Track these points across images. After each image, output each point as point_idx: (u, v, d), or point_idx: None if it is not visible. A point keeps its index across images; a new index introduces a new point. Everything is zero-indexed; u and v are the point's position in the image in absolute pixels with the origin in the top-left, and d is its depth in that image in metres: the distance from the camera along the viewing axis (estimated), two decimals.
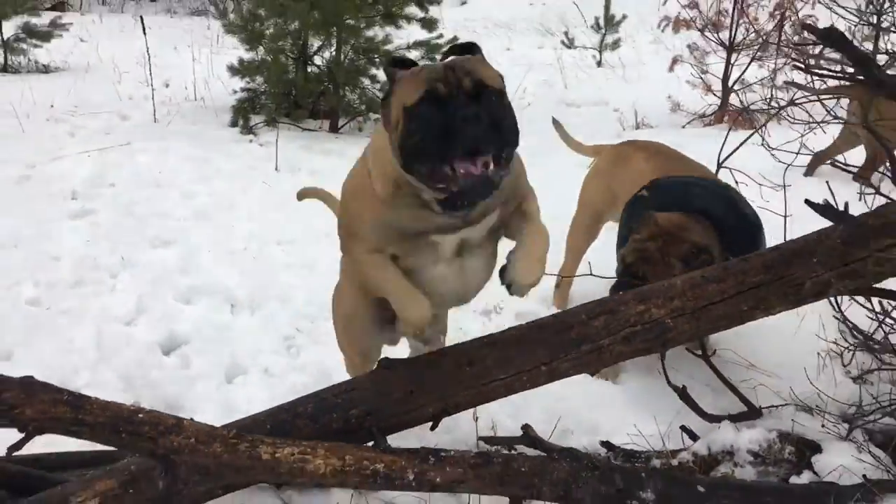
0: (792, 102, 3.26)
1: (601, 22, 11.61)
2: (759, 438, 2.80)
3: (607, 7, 11.58)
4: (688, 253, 2.96)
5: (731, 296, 2.36)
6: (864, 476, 2.54)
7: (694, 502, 2.39)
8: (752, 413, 2.93)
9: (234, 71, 8.59)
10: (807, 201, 2.25)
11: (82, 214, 5.62)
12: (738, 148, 3.46)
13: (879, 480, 2.55)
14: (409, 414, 2.31)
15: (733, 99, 7.73)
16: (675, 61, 8.03)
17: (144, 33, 9.25)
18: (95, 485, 2.16)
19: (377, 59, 8.31)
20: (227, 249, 5.03)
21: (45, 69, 11.21)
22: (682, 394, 2.82)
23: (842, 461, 2.65)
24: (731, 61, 8.03)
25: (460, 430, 2.79)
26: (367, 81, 8.39)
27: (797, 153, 3.27)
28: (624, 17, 11.49)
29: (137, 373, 3.53)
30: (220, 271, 4.68)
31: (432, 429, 2.37)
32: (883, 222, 2.36)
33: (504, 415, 2.93)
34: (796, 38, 6.54)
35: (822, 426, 2.85)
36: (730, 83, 8.03)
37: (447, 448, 2.29)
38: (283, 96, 8.45)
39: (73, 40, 12.92)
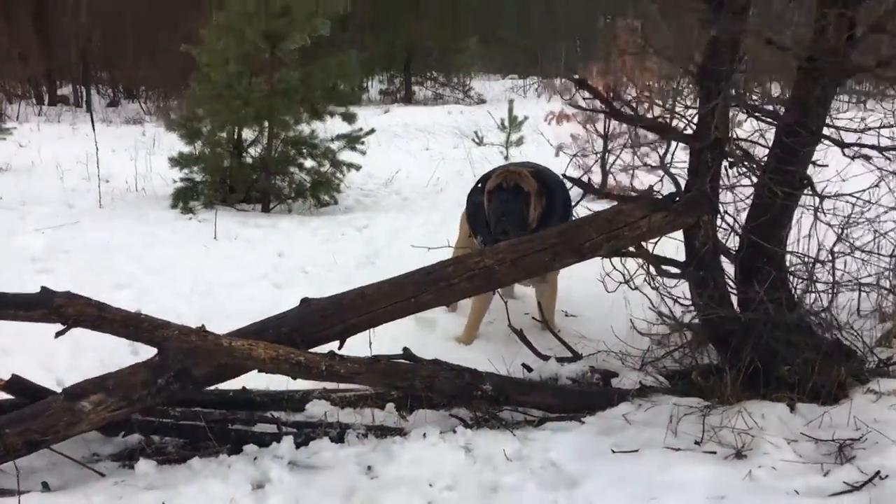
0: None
1: (506, 122, 13.21)
2: (576, 369, 3.95)
3: (510, 110, 13.22)
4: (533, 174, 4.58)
5: (536, 251, 3.54)
6: (640, 383, 3.69)
7: (521, 392, 3.48)
8: (574, 357, 4.08)
9: (173, 162, 9.54)
10: (564, 175, 3.45)
11: (45, 271, 6.48)
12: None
13: (651, 386, 3.69)
14: (323, 332, 3.38)
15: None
16: (559, 148, 9.50)
17: (93, 127, 10.28)
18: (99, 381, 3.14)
19: (304, 151, 9.48)
20: (175, 291, 5.99)
21: None
22: (520, 335, 3.98)
23: (631, 380, 3.79)
24: (608, 147, 9.52)
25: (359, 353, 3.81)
26: (295, 170, 9.49)
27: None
28: (525, 118, 13.11)
29: (109, 361, 4.44)
30: (171, 303, 5.64)
31: (339, 347, 3.43)
32: (637, 205, 3.60)
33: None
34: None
35: (623, 363, 4.00)
36: (607, 165, 9.51)
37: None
38: (219, 183, 9.48)
39: (13, 145, 13.66)
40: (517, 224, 4.40)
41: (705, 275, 3.57)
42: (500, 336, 4.62)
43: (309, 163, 9.42)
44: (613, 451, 3.16)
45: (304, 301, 3.47)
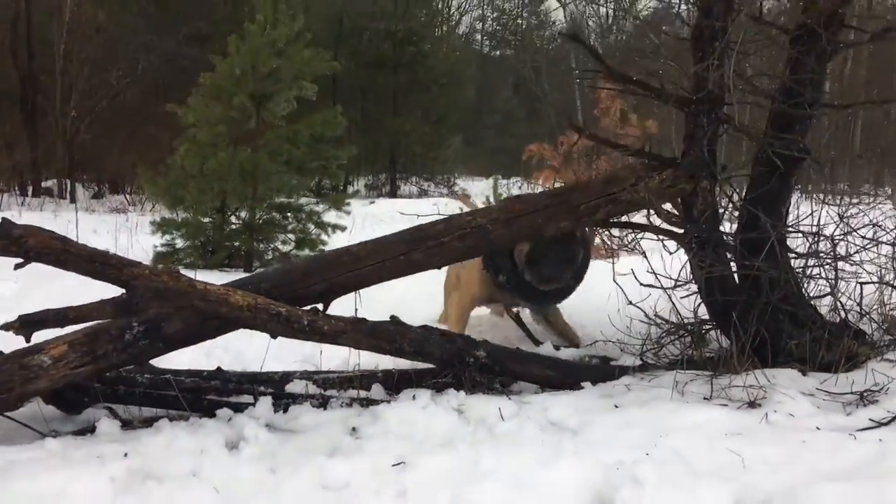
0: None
1: (492, 199, 13.26)
2: (573, 353, 3.73)
3: (495, 187, 13.34)
4: None
5: (530, 212, 3.38)
6: (641, 358, 3.48)
7: (517, 361, 3.26)
8: (572, 345, 3.87)
9: (156, 226, 9.41)
10: (567, 119, 3.34)
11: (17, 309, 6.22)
12: None
13: (654, 363, 3.48)
14: (305, 290, 3.17)
15: None
16: None
17: (75, 209, 10.14)
18: (62, 337, 2.91)
19: (290, 215, 9.35)
20: None
21: None
22: (517, 320, 3.76)
23: (631, 363, 3.58)
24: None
25: None
26: (280, 233, 9.32)
27: None
28: (510, 192, 13.22)
29: None
30: None
31: (324, 309, 3.21)
32: (634, 169, 3.50)
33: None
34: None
35: (622, 350, 3.79)
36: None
37: None
38: (200, 247, 9.29)
39: None
40: (569, 271, 4.11)
41: (705, 240, 3.42)
42: (491, 326, 4.41)
43: (293, 225, 9.28)
44: (616, 407, 2.93)
45: (285, 257, 3.28)
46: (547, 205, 3.40)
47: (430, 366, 3.35)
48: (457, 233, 3.29)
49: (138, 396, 3.14)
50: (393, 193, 24.01)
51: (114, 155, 21.02)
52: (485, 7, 43.26)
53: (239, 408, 3.07)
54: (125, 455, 2.60)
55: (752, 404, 2.85)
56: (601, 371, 3.38)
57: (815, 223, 3.63)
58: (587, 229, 4.02)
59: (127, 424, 3.08)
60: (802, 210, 3.81)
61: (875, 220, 3.94)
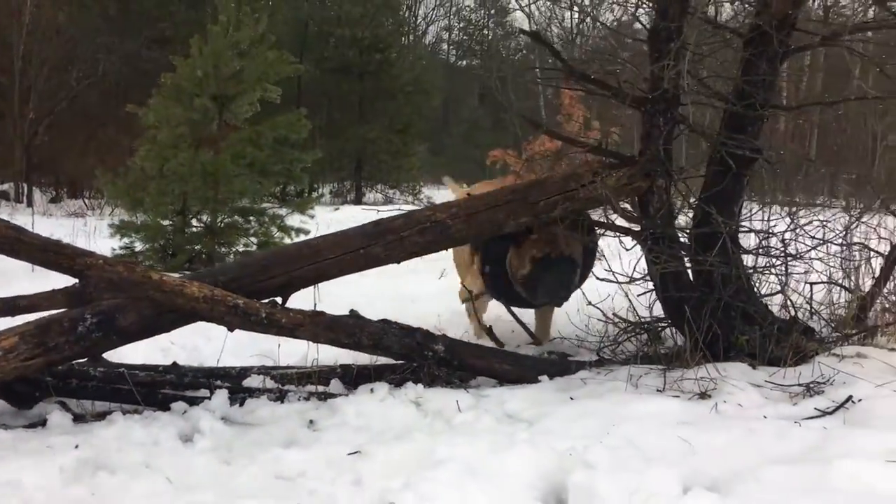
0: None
1: None
2: (532, 350, 3.77)
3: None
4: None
5: (490, 207, 3.43)
6: (597, 352, 3.53)
7: (475, 356, 3.29)
8: (535, 342, 3.91)
9: (115, 229, 9.27)
10: (522, 115, 3.41)
11: None
12: None
13: (609, 359, 3.53)
14: (264, 282, 3.17)
15: None
16: None
17: (31, 207, 9.97)
18: (13, 329, 2.88)
19: (252, 219, 9.27)
20: None
21: None
22: (488, 331, 3.82)
23: (588, 359, 3.62)
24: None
25: None
26: (242, 237, 9.23)
27: None
28: None
29: None
30: None
31: (283, 303, 3.21)
32: (591, 166, 3.55)
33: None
34: None
35: (579, 347, 3.84)
36: None
37: None
38: (161, 250, 9.17)
39: None
40: (566, 294, 3.99)
41: (660, 237, 3.48)
42: (450, 322, 4.44)
43: (256, 229, 9.20)
44: (572, 399, 2.97)
45: (242, 252, 3.27)
46: (507, 201, 3.45)
47: (390, 361, 3.38)
48: (416, 227, 3.32)
49: (91, 390, 3.10)
50: (358, 200, 23.93)
51: (73, 158, 20.63)
52: (451, 17, 43.50)
53: (194, 401, 3.06)
54: (76, 447, 2.58)
55: (703, 395, 2.91)
56: (558, 366, 3.42)
57: (765, 219, 3.70)
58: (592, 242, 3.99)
59: (79, 418, 3.05)
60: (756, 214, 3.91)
61: (824, 221, 4.04)
